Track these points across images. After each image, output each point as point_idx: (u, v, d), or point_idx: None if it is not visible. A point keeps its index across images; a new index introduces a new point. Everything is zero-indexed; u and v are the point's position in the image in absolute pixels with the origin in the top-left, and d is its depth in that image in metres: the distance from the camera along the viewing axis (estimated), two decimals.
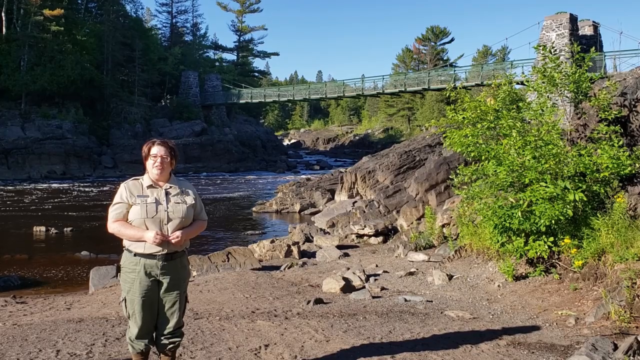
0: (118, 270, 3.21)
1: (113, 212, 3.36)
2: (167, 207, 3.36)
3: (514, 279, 6.99)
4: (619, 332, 4.83)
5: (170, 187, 3.46)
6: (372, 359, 4.22)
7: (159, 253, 3.34)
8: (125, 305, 3.41)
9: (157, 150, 3.42)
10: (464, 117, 8.12)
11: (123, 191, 3.38)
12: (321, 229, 15.00)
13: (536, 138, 6.86)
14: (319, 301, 6.43)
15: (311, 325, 5.14)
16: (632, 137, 7.84)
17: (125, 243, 3.40)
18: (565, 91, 8.11)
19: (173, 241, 3.33)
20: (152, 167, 3.41)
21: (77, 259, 12.43)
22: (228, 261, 9.85)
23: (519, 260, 7.11)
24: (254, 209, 22.00)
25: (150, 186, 3.41)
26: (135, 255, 3.35)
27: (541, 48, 8.09)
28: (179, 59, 55.29)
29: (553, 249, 6.61)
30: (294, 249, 11.32)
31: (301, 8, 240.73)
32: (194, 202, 3.49)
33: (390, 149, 22.05)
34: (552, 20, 30.22)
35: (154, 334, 3.51)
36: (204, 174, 41.52)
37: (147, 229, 3.32)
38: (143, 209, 3.31)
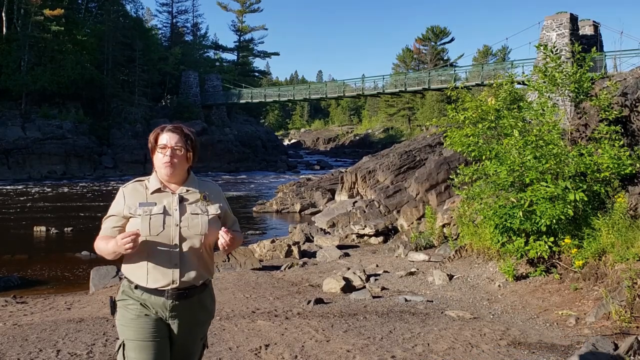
0: (113, 306, 2.40)
1: (103, 226, 2.41)
2: (180, 220, 2.35)
3: (515, 279, 6.98)
4: (619, 332, 4.83)
5: (188, 190, 2.43)
6: (373, 358, 4.22)
7: (168, 288, 2.32)
8: (124, 354, 2.32)
9: (167, 138, 2.39)
10: (465, 117, 8.12)
11: (119, 199, 2.40)
12: (321, 229, 14.99)
13: (537, 138, 6.86)
14: (319, 301, 6.43)
15: (311, 325, 5.14)
16: (633, 137, 7.84)
17: (123, 269, 2.42)
18: (566, 91, 8.12)
19: (225, 244, 2.34)
20: (161, 163, 2.38)
21: (77, 259, 12.42)
22: (228, 261, 9.84)
23: (519, 260, 7.11)
24: (254, 208, 22.00)
25: (157, 190, 2.39)
26: (136, 287, 2.35)
27: (542, 47, 8.09)
28: (179, 59, 55.28)
29: (554, 248, 6.61)
30: (295, 249, 11.32)
31: (301, 8, 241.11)
32: (219, 211, 2.45)
33: (390, 149, 22.00)
34: (552, 20, 30.20)
35: None
36: (203, 174, 41.51)
37: (152, 251, 2.31)
38: (145, 224, 2.29)
